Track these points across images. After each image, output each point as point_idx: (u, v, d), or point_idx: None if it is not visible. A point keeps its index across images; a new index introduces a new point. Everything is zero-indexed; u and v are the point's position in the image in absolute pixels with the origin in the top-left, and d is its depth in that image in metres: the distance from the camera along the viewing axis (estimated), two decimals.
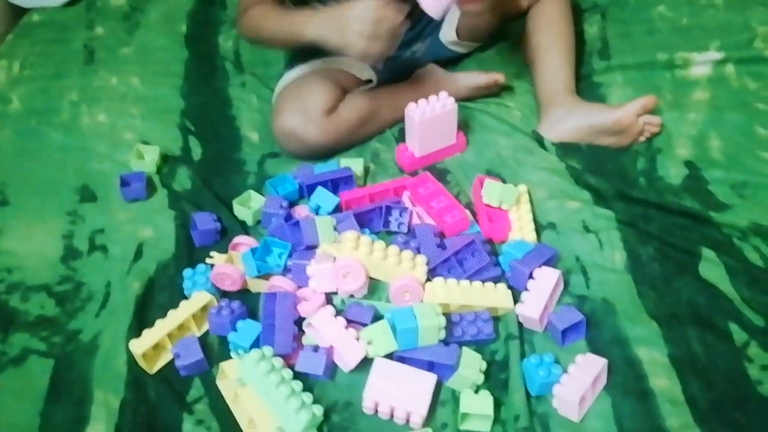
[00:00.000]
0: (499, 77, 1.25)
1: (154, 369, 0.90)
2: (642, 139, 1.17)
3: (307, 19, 1.06)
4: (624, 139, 1.15)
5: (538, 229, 1.04)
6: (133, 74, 1.36)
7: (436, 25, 1.30)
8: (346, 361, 0.87)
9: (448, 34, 1.28)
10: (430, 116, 1.09)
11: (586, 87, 1.26)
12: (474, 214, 1.07)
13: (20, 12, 1.56)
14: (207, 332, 0.94)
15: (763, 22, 1.32)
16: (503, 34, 1.38)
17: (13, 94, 1.33)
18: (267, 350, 0.86)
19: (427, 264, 0.94)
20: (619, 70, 1.29)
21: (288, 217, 1.04)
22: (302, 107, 1.13)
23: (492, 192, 1.04)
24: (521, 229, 1.03)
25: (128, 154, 1.18)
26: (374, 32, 0.99)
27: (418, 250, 0.98)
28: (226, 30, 1.48)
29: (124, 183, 1.13)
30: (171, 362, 0.90)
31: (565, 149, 1.16)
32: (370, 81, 1.25)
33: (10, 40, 1.48)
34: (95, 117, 1.27)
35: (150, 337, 0.89)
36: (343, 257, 0.91)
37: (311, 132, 1.13)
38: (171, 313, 0.92)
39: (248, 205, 1.10)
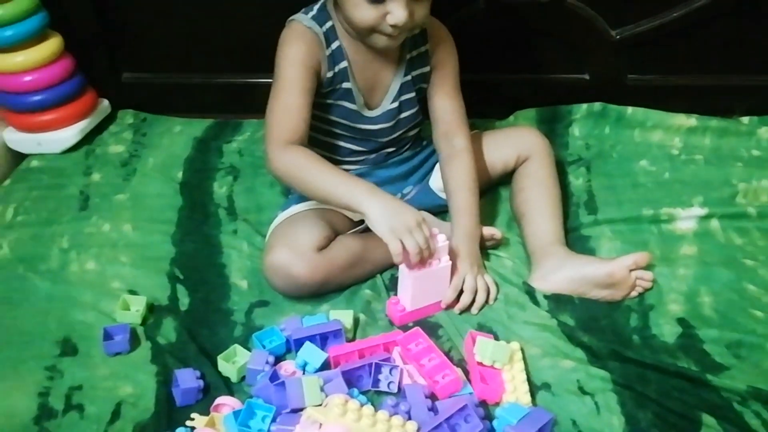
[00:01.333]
0: (496, 232, 1.26)
1: None
2: (634, 293, 1.16)
3: (369, 195, 1.07)
4: (616, 292, 1.15)
5: (533, 389, 1.01)
6: (126, 221, 1.36)
7: (424, 171, 1.34)
8: None
9: (438, 181, 1.32)
10: (423, 272, 1.09)
11: (575, 240, 1.28)
12: (466, 372, 1.04)
13: (20, 158, 1.59)
14: None
15: (742, 178, 1.36)
16: (493, 187, 1.41)
17: (4, 240, 1.32)
18: None
19: (419, 431, 0.90)
20: (606, 224, 1.31)
21: (274, 374, 1.00)
22: (293, 243, 1.14)
23: (484, 350, 1.02)
24: (515, 390, 1.00)
25: (114, 304, 1.16)
26: (418, 243, 1.04)
27: (408, 414, 0.94)
28: (221, 177, 1.51)
29: (108, 336, 1.10)
30: None
31: (557, 303, 1.15)
32: (362, 222, 1.26)
33: (7, 185, 1.50)
34: (84, 264, 1.26)
35: None
36: (330, 424, 0.87)
37: (301, 268, 1.12)
38: None
39: (233, 361, 1.07)
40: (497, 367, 1.03)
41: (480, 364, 1.03)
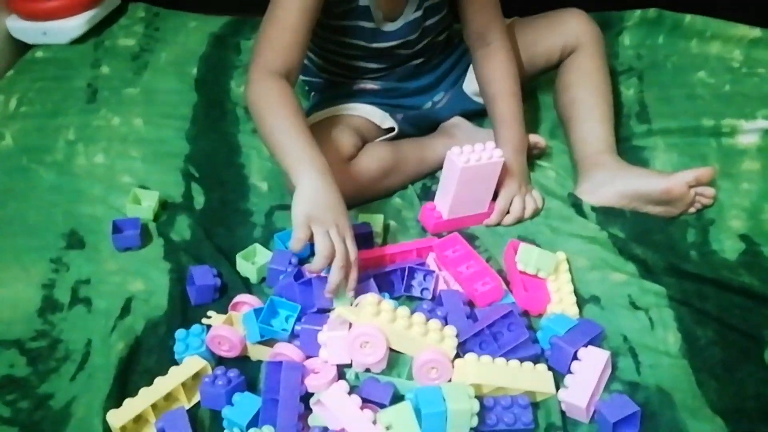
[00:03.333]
0: (539, 140, 1.15)
1: None
2: (692, 210, 1.06)
3: (309, 173, 0.87)
4: (672, 209, 1.05)
5: (580, 302, 0.93)
6: (137, 115, 1.28)
7: (456, 75, 1.22)
8: None
9: (472, 85, 1.20)
10: (474, 165, 0.98)
11: (626, 150, 1.17)
12: (507, 282, 0.95)
13: (24, 48, 1.50)
14: (198, 404, 0.82)
15: None
16: (534, 86, 1.29)
17: (6, 130, 1.25)
18: (267, 430, 0.74)
19: (457, 337, 0.82)
20: (660, 135, 1.21)
21: (298, 275, 0.92)
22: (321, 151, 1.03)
23: (528, 257, 0.93)
24: (561, 301, 0.91)
25: (124, 199, 1.08)
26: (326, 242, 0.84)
27: (445, 321, 0.86)
28: (239, 75, 1.40)
29: (117, 229, 1.02)
30: None
31: (606, 215, 1.06)
32: (391, 130, 1.15)
33: (10, 75, 1.41)
34: (91, 158, 1.18)
35: (131, 407, 0.77)
36: (361, 324, 0.79)
37: None
38: (158, 380, 0.81)
39: (253, 260, 0.99)
40: (541, 277, 0.94)
41: (522, 273, 0.94)
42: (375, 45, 1.10)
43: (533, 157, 1.17)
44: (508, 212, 1.05)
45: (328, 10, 1.03)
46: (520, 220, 1.05)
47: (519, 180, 1.06)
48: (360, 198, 1.07)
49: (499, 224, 1.05)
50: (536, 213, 1.07)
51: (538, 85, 1.29)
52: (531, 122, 1.25)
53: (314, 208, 0.85)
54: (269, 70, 0.95)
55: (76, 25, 1.47)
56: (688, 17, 1.41)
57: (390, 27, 1.09)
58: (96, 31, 1.50)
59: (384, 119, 1.15)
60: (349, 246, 0.86)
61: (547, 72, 1.24)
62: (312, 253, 1.00)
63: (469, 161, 0.97)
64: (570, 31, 1.18)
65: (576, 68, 1.18)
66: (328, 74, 1.18)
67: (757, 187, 1.10)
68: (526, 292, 0.91)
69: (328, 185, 0.88)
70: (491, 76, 1.13)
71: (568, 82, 1.18)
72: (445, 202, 1.03)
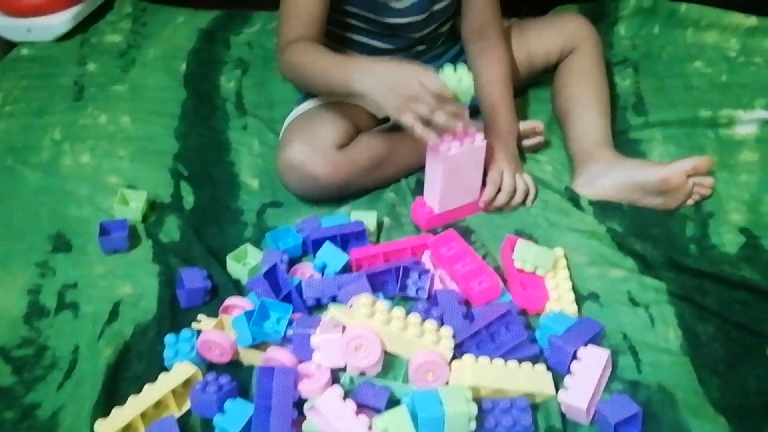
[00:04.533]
0: (537, 125, 1.14)
1: None
2: (690, 202, 1.05)
3: (362, 70, 0.92)
4: (671, 200, 1.03)
5: (578, 299, 0.91)
6: (125, 113, 1.25)
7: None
8: None
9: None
10: (457, 152, 0.96)
11: (623, 143, 1.15)
12: (504, 280, 0.93)
13: (9, 46, 1.47)
14: (189, 412, 0.80)
15: None
16: (531, 84, 1.28)
17: None
18: None
19: (453, 338, 0.80)
20: (657, 127, 1.19)
21: (271, 270, 0.90)
22: (312, 139, 1.02)
23: (526, 254, 0.91)
24: (559, 299, 0.89)
25: (111, 199, 1.06)
26: (423, 108, 0.88)
27: (441, 321, 0.84)
28: (228, 70, 1.38)
29: (104, 232, 1.00)
30: None
31: (603, 209, 1.04)
32: (386, 120, 1.13)
33: None
34: (78, 157, 1.16)
35: (120, 416, 0.75)
36: (355, 326, 0.77)
37: (320, 166, 1.01)
38: (147, 387, 0.79)
39: (244, 261, 0.97)
40: (539, 274, 0.92)
41: (520, 270, 0.92)
42: (383, 19, 1.09)
43: (531, 147, 1.16)
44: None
45: None
46: (512, 197, 1.04)
47: (507, 158, 1.05)
48: (351, 186, 1.06)
49: (493, 202, 1.03)
50: (530, 197, 1.06)
51: (535, 84, 1.28)
52: (529, 115, 1.23)
53: (392, 94, 0.88)
54: (294, 40, 1.00)
55: (61, 21, 1.44)
56: (683, 6, 1.39)
57: (398, 5, 1.08)
58: (82, 27, 1.48)
59: (379, 110, 1.13)
60: (432, 87, 0.87)
61: (545, 71, 1.23)
62: (304, 253, 0.99)
63: (451, 149, 0.95)
64: (568, 33, 1.19)
65: (574, 68, 1.18)
66: None
67: (756, 178, 1.09)
68: (523, 290, 0.90)
69: (384, 64, 0.91)
70: (485, 69, 1.13)
71: (566, 81, 1.18)
72: (433, 196, 1.01)
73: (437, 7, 1.11)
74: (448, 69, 0.92)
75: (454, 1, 1.14)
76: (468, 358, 0.78)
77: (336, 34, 1.12)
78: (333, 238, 0.97)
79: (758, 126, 1.17)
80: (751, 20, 1.37)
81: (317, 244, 0.97)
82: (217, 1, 1.57)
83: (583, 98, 1.14)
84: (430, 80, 0.87)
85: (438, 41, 1.19)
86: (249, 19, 1.52)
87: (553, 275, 0.92)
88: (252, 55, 1.41)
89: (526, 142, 1.15)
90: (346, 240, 0.98)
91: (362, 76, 0.91)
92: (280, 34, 1.03)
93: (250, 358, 0.84)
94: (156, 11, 1.54)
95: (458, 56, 1.21)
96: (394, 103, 0.89)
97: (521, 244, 0.93)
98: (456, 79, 0.91)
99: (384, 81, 0.89)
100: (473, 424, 0.73)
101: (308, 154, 1.01)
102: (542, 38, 1.20)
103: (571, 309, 0.88)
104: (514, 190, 1.04)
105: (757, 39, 1.35)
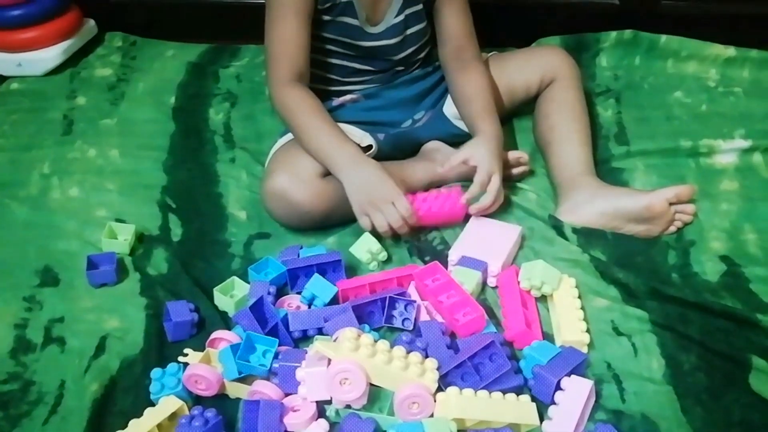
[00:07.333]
0: (522, 155, 1.15)
1: None
2: (672, 228, 1.06)
3: (351, 165, 1.01)
4: (654, 227, 1.05)
5: None
6: (114, 147, 1.26)
7: (437, 96, 1.22)
8: None
9: (453, 108, 1.20)
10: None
11: (605, 172, 1.17)
12: (487, 311, 0.94)
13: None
14: None
15: None
16: (514, 114, 1.29)
17: None
18: None
19: (438, 369, 0.80)
20: (639, 156, 1.21)
21: (257, 303, 0.90)
22: (295, 168, 1.04)
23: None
24: (572, 328, 0.89)
25: (99, 233, 1.06)
26: (380, 218, 1.00)
27: (425, 352, 0.85)
28: (217, 102, 1.39)
29: (92, 265, 1.00)
30: None
31: (587, 237, 1.05)
32: (369, 148, 1.14)
33: None
34: (66, 191, 1.16)
35: None
36: (340, 359, 0.77)
37: (303, 194, 1.03)
38: (133, 422, 0.78)
39: (231, 294, 0.97)
40: (546, 292, 0.93)
41: (527, 292, 0.94)
42: (359, 43, 1.12)
43: (517, 176, 1.17)
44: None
45: (315, 7, 1.07)
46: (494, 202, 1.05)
47: (497, 160, 1.05)
48: (334, 215, 1.06)
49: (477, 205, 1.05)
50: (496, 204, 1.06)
51: (518, 114, 1.29)
52: (510, 148, 1.24)
53: (366, 196, 0.99)
54: (282, 81, 1.06)
55: (51, 56, 1.45)
56: (663, 38, 1.42)
57: (373, 29, 1.12)
58: (72, 61, 1.49)
59: (363, 137, 1.15)
60: (401, 209, 0.99)
61: (526, 103, 1.24)
62: (286, 283, 1.00)
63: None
64: (547, 64, 1.21)
65: (554, 98, 1.19)
66: (311, 82, 1.17)
67: (736, 207, 1.10)
68: (527, 327, 0.89)
69: (372, 168, 1.01)
70: (467, 84, 1.15)
71: (547, 111, 1.19)
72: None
73: (411, 31, 1.15)
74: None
75: (428, 25, 1.18)
76: (453, 390, 0.78)
77: (315, 60, 1.13)
78: (308, 269, 0.98)
79: (737, 155, 1.19)
80: (730, 51, 1.40)
81: (293, 275, 0.98)
82: (206, 34, 1.59)
83: (564, 127, 1.15)
84: (402, 205, 0.99)
85: (416, 64, 1.22)
86: (237, 52, 1.54)
87: (562, 303, 0.92)
88: (240, 88, 1.43)
89: (511, 172, 1.16)
90: (322, 270, 0.99)
91: (351, 168, 1.01)
92: (270, 70, 1.07)
93: (236, 391, 0.84)
94: (145, 45, 1.56)
95: (439, 84, 1.23)
96: (361, 202, 1.00)
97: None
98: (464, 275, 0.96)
99: (367, 182, 1.00)
100: None
101: (291, 183, 1.03)
102: (522, 70, 1.21)
103: (584, 339, 0.88)
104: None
105: (736, 69, 1.38)
